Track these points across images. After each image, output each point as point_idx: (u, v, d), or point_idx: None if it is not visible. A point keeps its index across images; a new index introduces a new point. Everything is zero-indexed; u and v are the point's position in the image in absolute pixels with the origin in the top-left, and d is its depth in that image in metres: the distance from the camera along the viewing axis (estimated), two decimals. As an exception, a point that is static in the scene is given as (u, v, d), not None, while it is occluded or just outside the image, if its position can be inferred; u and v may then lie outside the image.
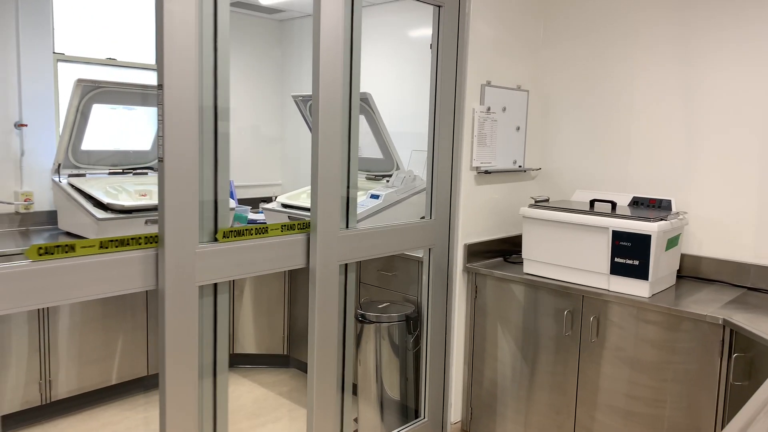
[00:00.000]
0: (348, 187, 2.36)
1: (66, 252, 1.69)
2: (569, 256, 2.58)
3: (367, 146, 3.77)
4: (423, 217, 2.76)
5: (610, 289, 2.47)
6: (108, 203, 3.19)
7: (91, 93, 3.28)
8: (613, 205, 2.66)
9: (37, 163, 3.54)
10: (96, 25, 3.90)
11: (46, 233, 3.40)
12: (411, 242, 2.63)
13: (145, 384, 3.58)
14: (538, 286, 2.66)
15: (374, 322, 2.85)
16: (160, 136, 1.76)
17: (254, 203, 4.51)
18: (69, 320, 3.17)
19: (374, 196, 3.39)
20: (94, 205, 3.22)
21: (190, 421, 1.92)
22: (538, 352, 2.68)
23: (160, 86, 1.75)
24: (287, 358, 3.95)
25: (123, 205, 3.20)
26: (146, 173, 3.82)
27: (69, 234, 3.36)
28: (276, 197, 4.59)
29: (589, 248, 2.52)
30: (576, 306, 2.54)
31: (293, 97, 3.80)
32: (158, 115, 1.76)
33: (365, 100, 3.40)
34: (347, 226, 2.36)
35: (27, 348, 3.02)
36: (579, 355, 2.54)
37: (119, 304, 3.36)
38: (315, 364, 2.28)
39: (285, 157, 4.81)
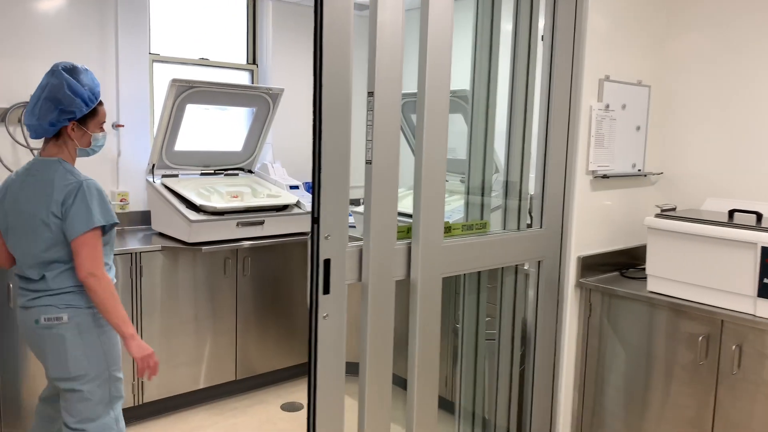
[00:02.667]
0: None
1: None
2: (705, 274, 2.26)
3: (461, 147, 3.55)
4: (529, 226, 2.51)
5: (758, 315, 2.13)
6: (200, 205, 3.14)
7: (185, 93, 3.24)
8: (759, 216, 2.31)
9: (133, 163, 3.55)
10: (189, 25, 3.89)
11: (140, 233, 3.40)
12: (519, 254, 2.39)
13: (234, 389, 3.52)
14: (665, 306, 2.36)
15: (475, 339, 2.63)
16: (369, 140, 1.86)
17: (342, 205, 4.38)
18: (161, 322, 3.14)
19: (473, 201, 3.16)
20: (187, 207, 3.17)
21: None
22: (664, 382, 2.37)
23: (371, 93, 1.86)
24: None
25: (215, 207, 3.14)
26: (236, 174, 3.77)
27: (162, 235, 3.34)
28: (362, 200, 4.46)
29: (731, 266, 2.19)
30: (713, 331, 2.22)
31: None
32: (368, 120, 1.87)
33: (464, 97, 3.18)
34: (453, 236, 2.16)
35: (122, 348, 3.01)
36: (716, 388, 2.22)
37: (210, 306, 3.31)
38: (416, 385, 2.09)
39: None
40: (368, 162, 1.89)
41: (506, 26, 2.45)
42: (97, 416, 2.10)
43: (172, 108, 3.24)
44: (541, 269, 2.51)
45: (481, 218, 2.51)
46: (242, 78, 4.12)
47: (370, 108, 1.89)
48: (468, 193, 2.52)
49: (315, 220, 1.80)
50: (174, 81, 3.14)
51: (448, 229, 2.17)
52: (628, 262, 2.83)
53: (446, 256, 2.12)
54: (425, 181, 2.02)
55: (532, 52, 2.43)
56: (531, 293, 2.54)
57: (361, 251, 1.91)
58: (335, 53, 1.78)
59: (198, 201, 3.15)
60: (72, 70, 2.05)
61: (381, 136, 1.90)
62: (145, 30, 3.53)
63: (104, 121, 2.15)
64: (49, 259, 2.02)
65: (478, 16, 2.43)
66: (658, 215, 2.43)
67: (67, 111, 2.01)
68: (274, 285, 3.54)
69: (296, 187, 3.67)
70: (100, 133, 2.14)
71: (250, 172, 3.84)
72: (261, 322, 3.51)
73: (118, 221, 2.09)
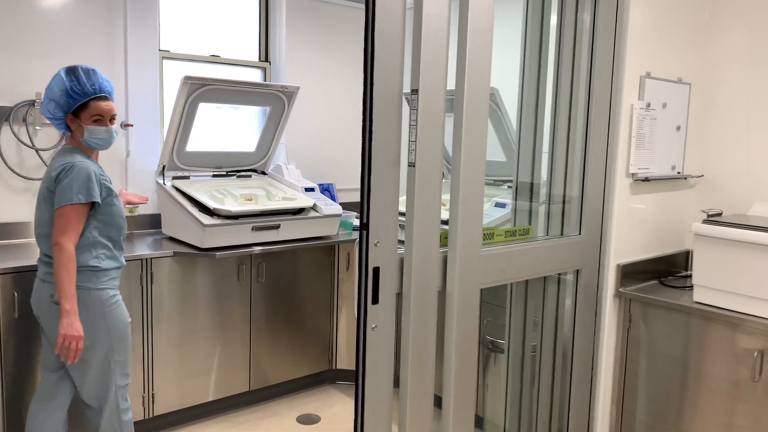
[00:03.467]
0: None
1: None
2: (760, 284, 2.11)
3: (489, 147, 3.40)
4: (561, 234, 2.36)
5: (820, 329, 1.99)
6: (214, 208, 2.99)
7: (198, 91, 3.10)
8: (815, 222, 2.17)
9: (142, 164, 3.41)
10: (200, 21, 3.75)
11: (149, 238, 3.25)
12: (559, 263, 2.25)
13: (247, 400, 3.37)
14: (713, 318, 2.21)
15: (506, 352, 2.48)
16: (412, 141, 1.72)
17: (355, 207, 4.24)
18: (171, 331, 3.00)
19: (500, 205, 3.01)
20: (200, 210, 3.03)
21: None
22: (711, 399, 2.22)
23: (414, 91, 1.72)
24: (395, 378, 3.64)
25: (230, 211, 2.99)
26: (249, 176, 3.62)
27: (172, 239, 3.20)
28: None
29: (788, 276, 2.04)
30: (768, 346, 2.07)
31: (406, 95, 3.48)
32: (411, 120, 1.74)
33: (492, 96, 3.03)
34: (492, 244, 2.01)
35: (133, 360, 2.86)
36: (772, 407, 2.07)
37: (222, 314, 3.16)
38: (452, 405, 1.94)
39: (388, 158, 4.51)
40: (411, 165, 1.75)
41: (549, 21, 2.30)
42: (103, 392, 2.29)
43: (184, 106, 3.09)
44: (579, 278, 2.36)
45: (526, 224, 2.36)
46: (254, 76, 3.97)
47: (414, 107, 1.76)
48: (516, 199, 2.37)
49: (364, 225, 1.69)
50: (186, 78, 2.99)
51: (490, 235, 2.02)
52: (666, 269, 2.68)
53: (485, 265, 1.97)
54: (464, 185, 1.87)
55: (577, 49, 2.28)
56: (567, 302, 2.39)
57: (402, 260, 1.78)
58: (387, 48, 1.66)
59: (212, 204, 3.00)
60: (70, 69, 2.26)
61: (425, 137, 1.77)
62: (155, 25, 3.39)
63: (98, 115, 2.26)
64: (52, 232, 2.19)
65: (527, 11, 2.28)
66: (705, 221, 2.28)
67: (56, 102, 2.23)
68: (289, 291, 3.39)
69: (311, 190, 3.52)
70: (96, 127, 2.26)
71: (263, 173, 3.70)
72: (275, 329, 3.36)
73: (96, 199, 2.19)
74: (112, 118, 2.30)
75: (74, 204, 2.15)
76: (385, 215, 1.73)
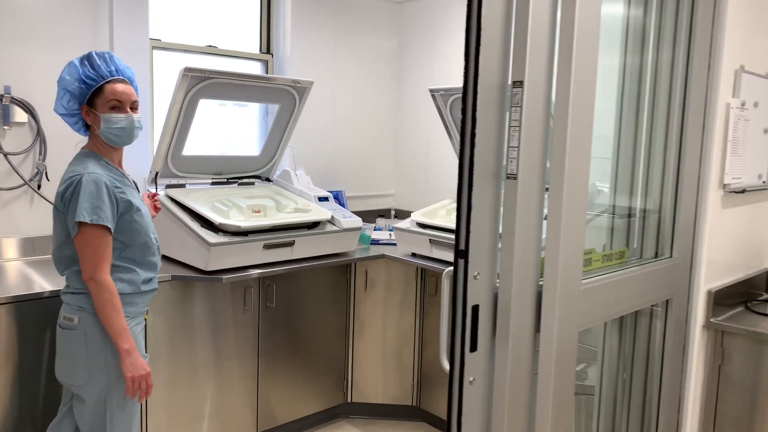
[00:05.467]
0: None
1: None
2: None
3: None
4: (642, 255, 1.99)
5: None
6: (220, 224, 2.54)
7: (198, 85, 2.65)
8: None
9: (129, 170, 2.93)
10: (195, 7, 3.29)
11: (139, 256, 2.78)
12: (652, 292, 1.87)
13: (254, 442, 2.93)
14: (834, 356, 1.87)
15: (596, 396, 2.10)
16: (514, 147, 1.37)
17: (367, 217, 3.82)
18: (168, 369, 2.54)
19: (550, 218, 2.64)
20: (202, 225, 2.58)
21: None
22: (831, 451, 1.88)
23: (517, 84, 1.37)
24: (415, 410, 3.24)
25: (239, 227, 2.55)
26: (252, 183, 3.18)
27: (166, 259, 2.73)
28: (394, 211, 3.91)
29: None
30: None
31: (432, 91, 3.09)
32: (512, 120, 1.38)
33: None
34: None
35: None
36: None
37: (224, 347, 2.71)
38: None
39: (398, 162, 4.11)
40: (511, 176, 1.39)
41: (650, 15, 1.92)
42: (98, 428, 1.95)
43: (183, 103, 2.64)
44: (669, 308, 1.99)
45: (626, 245, 1.97)
46: (254, 69, 3.53)
47: (517, 103, 1.38)
48: (614, 214, 1.98)
49: (461, 253, 1.36)
50: (187, 70, 2.54)
51: (587, 261, 1.64)
52: (748, 291, 2.34)
53: (584, 301, 1.59)
54: (567, 202, 1.48)
55: (676, 44, 1.91)
56: (656, 337, 2.03)
57: (496, 295, 1.42)
58: (492, 31, 1.33)
59: (217, 219, 2.55)
60: (84, 56, 1.96)
61: (530, 142, 1.40)
62: (145, 12, 2.92)
63: (115, 101, 1.93)
64: (63, 255, 1.93)
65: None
66: (820, 241, 1.93)
67: (70, 92, 1.92)
68: (301, 316, 2.96)
69: (325, 199, 3.10)
70: (114, 115, 1.93)
71: (268, 180, 3.26)
72: (285, 361, 2.93)
73: (104, 223, 1.83)
74: (133, 106, 1.97)
75: (89, 226, 1.82)
76: (485, 240, 1.38)
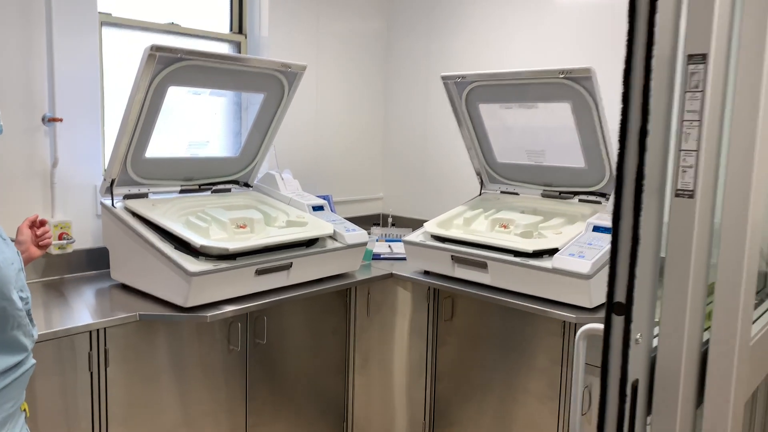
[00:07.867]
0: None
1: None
2: None
3: (552, 149, 2.60)
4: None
5: None
6: (202, 246, 1.99)
7: (168, 69, 2.08)
8: None
9: (75, 176, 2.33)
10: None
11: (89, 288, 2.20)
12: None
13: None
14: None
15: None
16: (691, 151, 0.94)
17: (359, 225, 3.30)
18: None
19: (602, 230, 2.22)
20: (175, 247, 2.02)
21: None
22: None
23: (698, 57, 0.94)
24: (428, 452, 2.77)
25: (226, 249, 2.00)
26: (229, 189, 2.62)
27: (128, 289, 2.16)
28: (391, 218, 3.42)
29: None
30: None
31: (445, 78, 2.61)
32: (690, 111, 0.94)
33: (583, 80, 2.22)
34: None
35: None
36: None
37: (208, 399, 2.17)
38: None
39: (387, 161, 3.62)
40: (684, 193, 0.98)
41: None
42: None
43: (147, 91, 2.06)
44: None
45: None
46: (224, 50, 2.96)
47: (696, 85, 0.96)
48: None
49: (619, 308, 0.94)
50: (154, 49, 1.96)
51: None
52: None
53: (753, 359, 1.16)
54: (752, 226, 1.05)
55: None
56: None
57: (653, 360, 1.03)
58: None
59: (197, 240, 1.99)
60: None
61: (710, 143, 0.98)
62: (90, -25, 2.32)
63: None
64: None
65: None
66: None
67: None
68: (295, 352, 2.43)
69: (320, 208, 2.58)
70: None
71: (247, 185, 2.70)
72: (278, 406, 2.40)
73: None
74: None
75: None
76: (648, 287, 0.97)
